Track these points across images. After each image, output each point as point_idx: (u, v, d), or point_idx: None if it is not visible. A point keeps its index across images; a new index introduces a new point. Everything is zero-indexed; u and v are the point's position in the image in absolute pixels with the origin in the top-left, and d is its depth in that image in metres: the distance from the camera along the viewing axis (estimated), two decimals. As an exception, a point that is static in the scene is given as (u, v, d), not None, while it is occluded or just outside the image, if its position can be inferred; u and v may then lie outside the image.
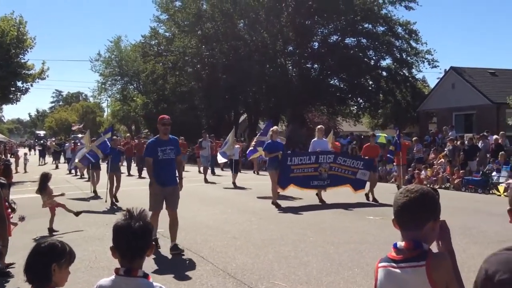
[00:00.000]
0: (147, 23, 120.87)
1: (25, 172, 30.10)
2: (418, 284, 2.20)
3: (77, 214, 11.04)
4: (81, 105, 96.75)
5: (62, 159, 38.13)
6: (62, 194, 11.11)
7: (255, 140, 18.76)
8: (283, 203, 13.86)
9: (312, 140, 15.60)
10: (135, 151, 27.32)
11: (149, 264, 7.07)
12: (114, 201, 14.52)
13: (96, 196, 16.44)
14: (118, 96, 61.82)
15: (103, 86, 60.92)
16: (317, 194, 14.71)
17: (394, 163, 19.05)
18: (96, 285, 2.60)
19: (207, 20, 40.47)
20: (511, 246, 2.12)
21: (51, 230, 10.22)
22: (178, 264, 7.51)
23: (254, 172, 27.24)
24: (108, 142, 15.59)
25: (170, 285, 6.50)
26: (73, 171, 26.45)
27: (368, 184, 15.13)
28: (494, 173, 18.72)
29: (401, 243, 2.30)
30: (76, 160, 17.14)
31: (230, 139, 20.35)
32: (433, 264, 2.18)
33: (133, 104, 57.78)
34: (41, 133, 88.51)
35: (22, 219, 8.02)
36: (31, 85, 29.52)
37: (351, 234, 9.73)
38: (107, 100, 69.55)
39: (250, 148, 19.26)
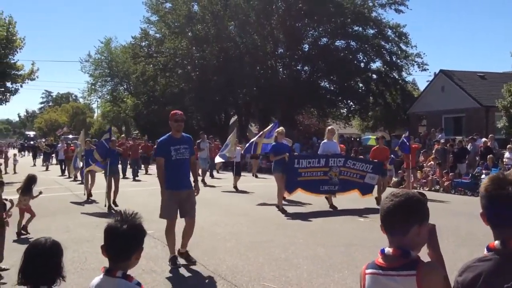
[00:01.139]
0: (138, 24, 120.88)
1: (15, 173, 29.84)
2: None
3: (25, 231, 10.08)
4: (71, 106, 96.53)
5: (53, 160, 37.54)
6: (40, 192, 10.78)
7: (255, 139, 17.23)
8: (290, 209, 13.35)
9: (322, 142, 14.58)
10: (130, 153, 26.39)
11: (139, 266, 7.05)
12: (113, 206, 13.70)
13: (90, 200, 15.65)
14: (108, 97, 61.66)
15: (93, 87, 60.72)
16: (326, 198, 13.94)
17: (404, 166, 18.52)
18: (90, 285, 2.68)
19: (197, 22, 40.43)
20: (483, 256, 2.12)
21: (25, 228, 10.03)
22: (168, 265, 7.48)
23: (252, 175, 26.45)
24: (106, 144, 14.69)
25: (160, 287, 6.51)
26: (78, 176, 22.83)
27: (376, 189, 14.46)
28: (483, 176, 18.82)
29: (388, 249, 2.27)
30: (93, 165, 15.70)
31: (231, 140, 19.52)
32: (424, 274, 2.15)
33: (123, 105, 57.70)
34: (31, 133, 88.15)
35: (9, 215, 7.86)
36: (21, 86, 29.40)
37: (341, 236, 9.76)
38: (97, 101, 69.43)
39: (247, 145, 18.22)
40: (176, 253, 7.58)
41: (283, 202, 13.61)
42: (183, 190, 7.50)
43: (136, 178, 24.75)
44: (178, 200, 7.49)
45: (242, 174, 20.63)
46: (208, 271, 7.19)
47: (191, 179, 7.80)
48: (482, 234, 9.57)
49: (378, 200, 14.16)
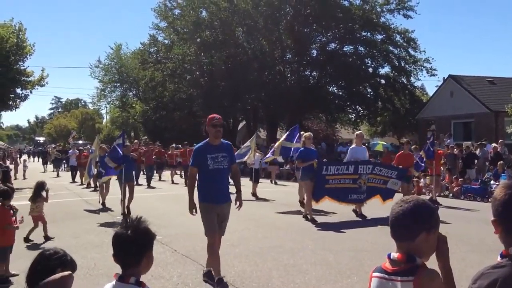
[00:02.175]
0: (146, 30, 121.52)
1: (24, 179, 29.96)
2: None
3: (47, 238, 10.13)
4: (80, 111, 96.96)
5: (64, 166, 37.44)
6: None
7: (275, 146, 17.16)
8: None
9: (350, 148, 14.16)
10: (143, 159, 25.91)
11: (148, 272, 7.04)
12: (126, 212, 13.29)
13: (105, 208, 15.26)
14: (117, 102, 61.72)
15: (102, 92, 60.82)
16: (354, 211, 13.31)
17: (428, 173, 18.09)
18: None
19: (206, 28, 40.52)
20: (497, 263, 2.09)
21: (46, 237, 10.08)
22: (177, 271, 7.48)
23: (271, 182, 25.88)
24: (119, 149, 14.08)
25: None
26: (92, 183, 22.34)
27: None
28: (492, 182, 18.71)
29: (394, 254, 2.28)
30: (105, 176, 14.94)
31: (251, 146, 19.06)
32: (422, 280, 2.15)
33: (132, 111, 57.91)
34: (41, 139, 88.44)
35: (21, 221, 7.88)
36: (31, 92, 29.48)
37: (350, 242, 9.72)
38: (106, 107, 69.50)
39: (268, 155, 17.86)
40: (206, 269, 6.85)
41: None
42: (222, 203, 6.81)
43: (150, 185, 24.19)
44: (217, 213, 6.78)
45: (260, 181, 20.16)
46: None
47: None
48: (491, 240, 9.52)
49: None
